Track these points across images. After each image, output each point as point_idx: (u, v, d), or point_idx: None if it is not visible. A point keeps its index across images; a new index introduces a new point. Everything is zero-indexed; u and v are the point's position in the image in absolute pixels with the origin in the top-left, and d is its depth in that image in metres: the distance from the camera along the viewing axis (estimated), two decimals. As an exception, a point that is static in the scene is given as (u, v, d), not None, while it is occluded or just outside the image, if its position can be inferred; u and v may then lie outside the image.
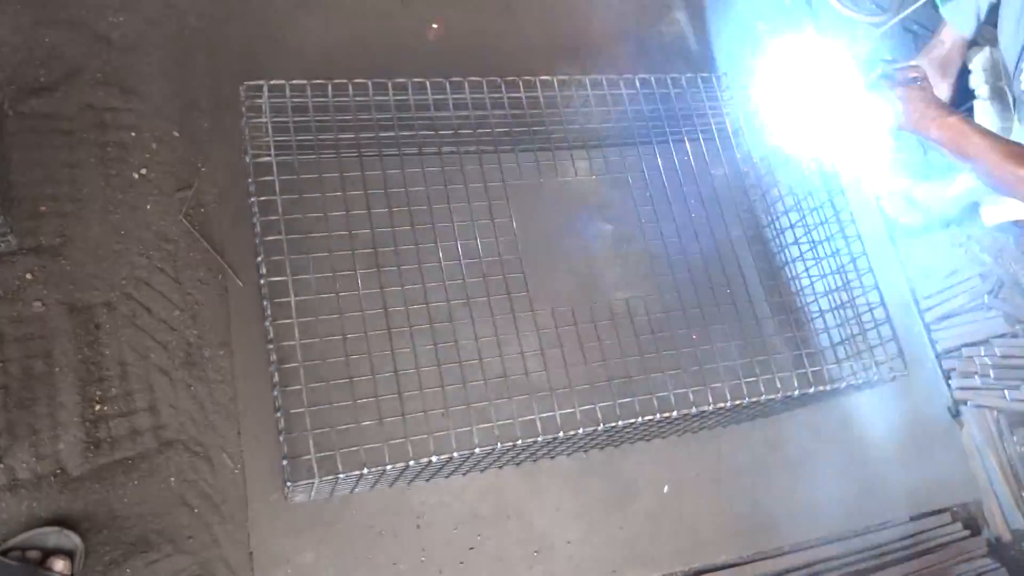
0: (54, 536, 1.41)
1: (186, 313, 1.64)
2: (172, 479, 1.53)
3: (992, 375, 2.12)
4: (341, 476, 1.30)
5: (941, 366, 2.14)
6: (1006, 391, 2.11)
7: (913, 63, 1.85)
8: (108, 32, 1.78)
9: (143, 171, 1.71)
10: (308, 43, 1.91)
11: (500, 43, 2.05)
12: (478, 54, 2.01)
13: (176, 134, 1.76)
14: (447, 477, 1.64)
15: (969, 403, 2.11)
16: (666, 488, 1.78)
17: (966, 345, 2.18)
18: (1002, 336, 2.19)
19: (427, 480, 1.63)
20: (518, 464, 1.69)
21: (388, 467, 1.32)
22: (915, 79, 1.75)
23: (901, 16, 1.78)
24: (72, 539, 1.42)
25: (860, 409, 2.00)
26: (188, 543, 1.51)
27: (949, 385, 2.12)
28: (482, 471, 1.66)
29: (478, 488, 1.68)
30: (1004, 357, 2.14)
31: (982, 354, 2.15)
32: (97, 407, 1.53)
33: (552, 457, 1.72)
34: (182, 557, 1.49)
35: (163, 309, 1.63)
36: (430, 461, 1.34)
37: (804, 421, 1.94)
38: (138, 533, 1.48)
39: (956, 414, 2.10)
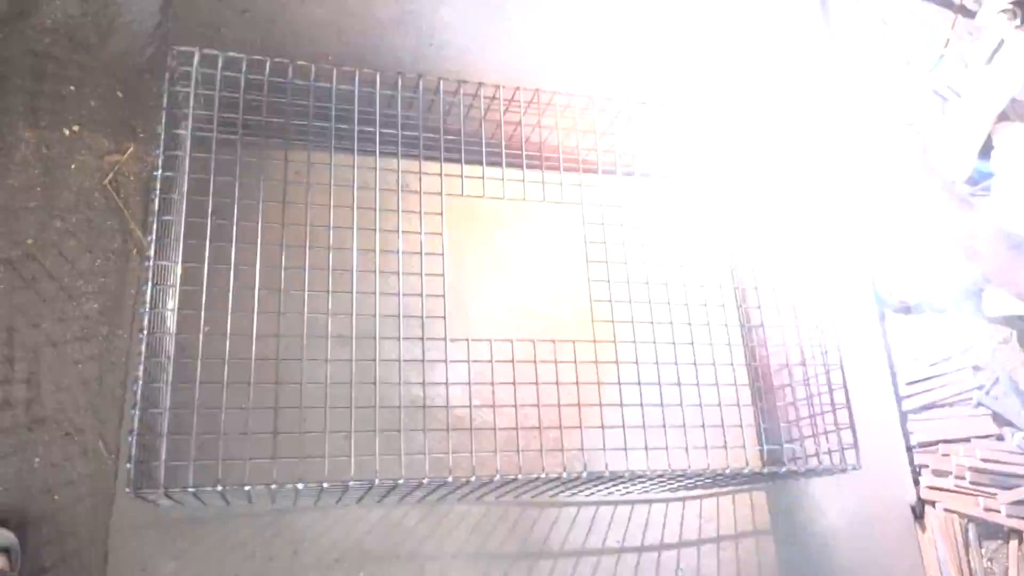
0: None
1: (91, 284, 1.53)
2: (37, 460, 1.42)
3: (968, 478, 1.94)
4: (190, 490, 1.17)
5: (912, 460, 1.96)
6: (980, 498, 1.92)
7: None
8: (68, -22, 1.68)
9: (75, 128, 1.61)
10: (280, 18, 1.79)
11: (487, 47, 1.93)
12: (462, 57, 1.89)
13: (120, 94, 1.66)
14: (336, 503, 1.51)
15: (937, 505, 1.93)
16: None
17: (944, 441, 1.99)
18: (986, 437, 2.01)
19: (314, 504, 1.50)
20: (420, 500, 1.55)
21: (247, 487, 1.19)
22: None
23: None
24: (4, 535, 1.32)
25: (813, 492, 1.83)
26: (41, 531, 1.39)
27: (918, 482, 1.94)
28: (378, 501, 1.53)
29: (371, 520, 1.54)
30: (985, 460, 1.96)
31: (961, 454, 1.97)
32: (-29, 371, 1.43)
33: (460, 499, 1.58)
34: (32, 546, 1.37)
35: (67, 276, 1.52)
36: (296, 488, 1.21)
37: (746, 497, 1.78)
38: (-14, 513, 1.37)
39: (920, 515, 1.92)
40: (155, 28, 1.71)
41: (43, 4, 1.64)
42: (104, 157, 1.61)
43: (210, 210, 1.30)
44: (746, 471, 1.44)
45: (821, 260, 1.68)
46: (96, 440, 1.46)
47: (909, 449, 1.96)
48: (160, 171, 1.29)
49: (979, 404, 2.05)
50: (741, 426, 1.47)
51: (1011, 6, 1.64)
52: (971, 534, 1.92)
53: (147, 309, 1.22)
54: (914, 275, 2.04)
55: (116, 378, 1.50)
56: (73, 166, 1.58)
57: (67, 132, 1.60)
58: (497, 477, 1.30)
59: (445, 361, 1.35)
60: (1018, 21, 1.70)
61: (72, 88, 1.63)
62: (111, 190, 1.59)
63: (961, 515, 1.93)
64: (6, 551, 1.32)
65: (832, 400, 1.56)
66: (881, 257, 2.10)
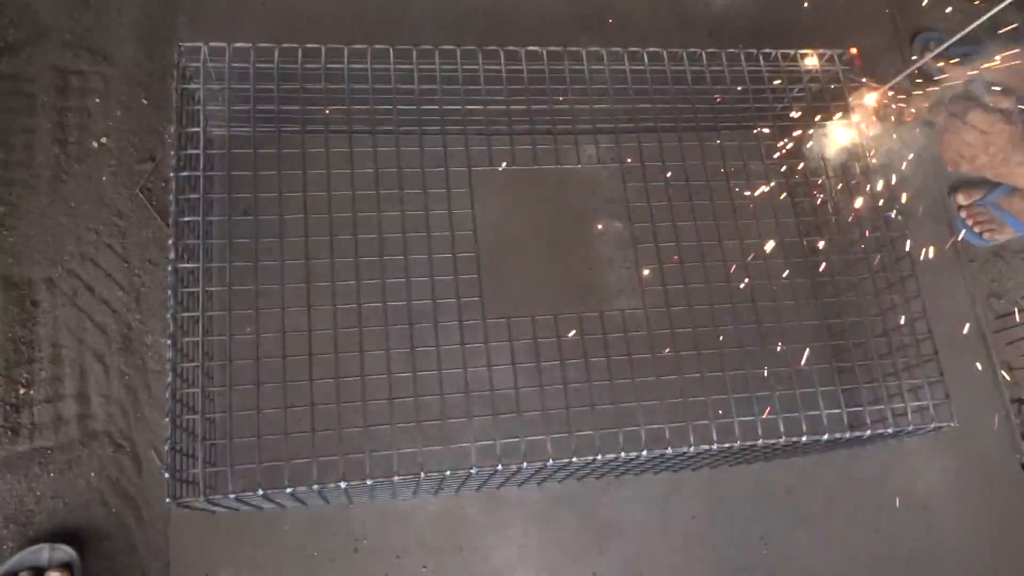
0: (46, 552, 1.33)
1: (130, 295, 1.52)
2: (93, 474, 1.42)
3: (1085, 429, 1.76)
4: (231, 496, 1.14)
5: (1019, 414, 1.78)
6: (1101, 450, 1.73)
7: (1000, 89, 1.42)
8: (85, -9, 1.67)
9: (104, 140, 1.60)
10: (298, 8, 1.74)
11: (514, 11, 1.83)
12: (488, 23, 1.80)
13: (145, 101, 1.64)
14: (393, 498, 1.46)
15: (1051, 461, 1.75)
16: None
17: (1053, 390, 1.81)
18: (1102, 382, 1.81)
19: (370, 499, 1.45)
20: (477, 490, 1.49)
21: (288, 490, 1.15)
22: (1004, 111, 1.32)
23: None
24: (66, 552, 1.33)
25: (906, 455, 1.68)
26: (101, 546, 1.39)
27: (1025, 437, 1.77)
28: (434, 494, 1.47)
29: (429, 513, 1.49)
30: (1103, 408, 1.77)
31: (1074, 402, 1.79)
32: (22, 391, 1.43)
33: (519, 485, 1.50)
34: (94, 561, 1.37)
35: (106, 289, 1.52)
36: (339, 486, 1.16)
37: (832, 464, 1.64)
38: (47, 531, 1.37)
39: (1032, 472, 1.74)
40: (171, 31, 1.69)
41: (63, 19, 1.64)
42: (134, 166, 1.60)
43: (228, 206, 1.26)
44: (824, 438, 1.31)
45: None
46: (148, 450, 1.45)
47: (1011, 402, 1.78)
48: (175, 172, 1.25)
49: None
50: (816, 389, 1.34)
51: None
52: (1093, 489, 1.74)
53: (172, 313, 1.19)
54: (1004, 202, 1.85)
55: (162, 386, 1.49)
56: (104, 178, 1.58)
57: (95, 145, 1.59)
58: (550, 463, 1.22)
59: (485, 343, 1.28)
60: None
61: (97, 100, 1.62)
62: (143, 198, 1.58)
63: (1080, 469, 1.74)
64: (68, 567, 1.32)
65: (918, 350, 1.41)
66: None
